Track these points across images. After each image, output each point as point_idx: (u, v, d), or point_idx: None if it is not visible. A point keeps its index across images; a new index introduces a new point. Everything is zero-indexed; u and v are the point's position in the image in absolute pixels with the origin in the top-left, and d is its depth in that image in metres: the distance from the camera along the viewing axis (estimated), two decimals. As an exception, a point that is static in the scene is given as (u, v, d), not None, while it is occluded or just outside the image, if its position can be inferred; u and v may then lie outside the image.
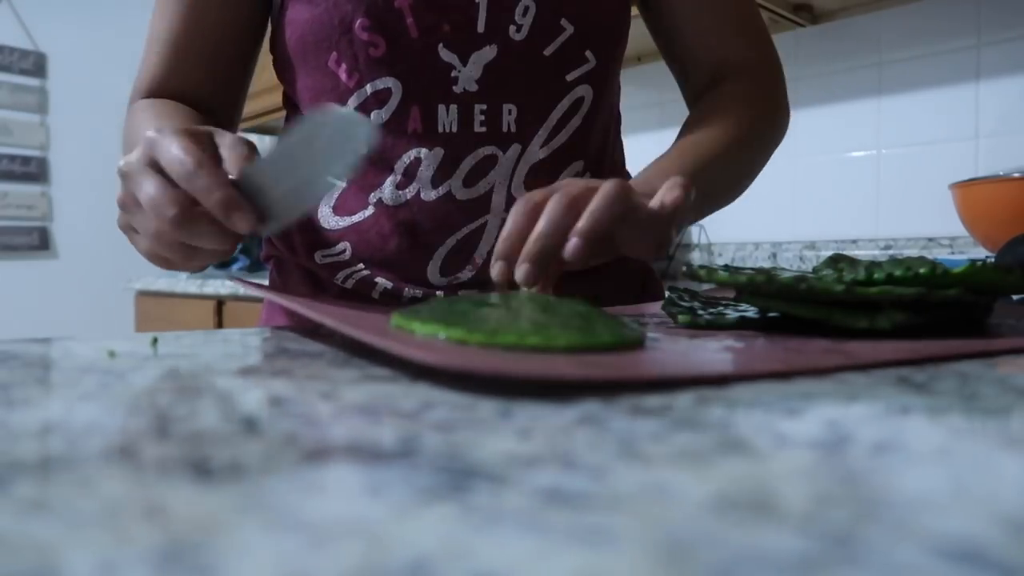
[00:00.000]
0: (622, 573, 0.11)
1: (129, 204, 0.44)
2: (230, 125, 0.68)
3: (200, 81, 0.65)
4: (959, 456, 0.16)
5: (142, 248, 0.46)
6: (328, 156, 0.40)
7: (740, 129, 0.62)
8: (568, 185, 0.44)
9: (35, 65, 2.95)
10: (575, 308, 0.34)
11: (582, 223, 0.41)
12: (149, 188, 0.41)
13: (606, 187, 0.42)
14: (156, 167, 0.42)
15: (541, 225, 0.42)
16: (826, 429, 0.19)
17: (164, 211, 0.40)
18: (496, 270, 0.43)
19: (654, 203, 0.44)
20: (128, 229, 0.46)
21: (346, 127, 0.40)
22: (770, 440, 0.18)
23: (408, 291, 0.62)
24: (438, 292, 0.62)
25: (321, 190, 0.41)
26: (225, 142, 0.44)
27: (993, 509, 0.13)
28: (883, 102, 1.58)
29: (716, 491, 0.14)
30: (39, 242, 2.95)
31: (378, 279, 0.62)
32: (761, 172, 0.68)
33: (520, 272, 0.41)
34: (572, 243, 0.41)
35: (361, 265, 0.63)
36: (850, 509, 0.13)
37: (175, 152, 0.40)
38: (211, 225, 0.41)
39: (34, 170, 2.94)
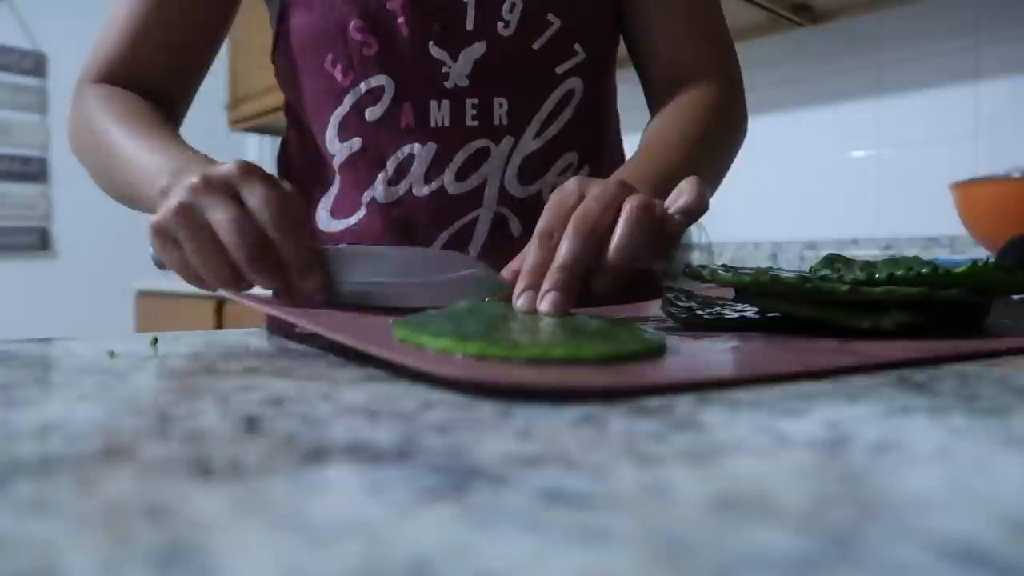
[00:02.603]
0: (622, 573, 0.11)
1: (187, 218, 0.41)
2: (178, 118, 0.66)
3: (156, 70, 0.63)
4: (959, 456, 0.16)
5: (174, 256, 0.42)
6: (434, 284, 0.42)
7: (703, 135, 0.61)
8: (588, 203, 0.41)
9: (35, 65, 2.95)
10: (586, 320, 0.34)
11: (613, 257, 0.39)
12: (233, 210, 0.40)
13: (631, 211, 0.40)
14: (236, 195, 0.41)
15: (563, 256, 0.39)
16: (826, 429, 0.19)
17: (244, 236, 0.40)
18: (523, 300, 0.39)
19: (669, 209, 0.42)
20: (164, 233, 0.42)
21: (474, 279, 0.41)
22: (770, 440, 0.18)
23: None
24: None
25: (394, 302, 0.42)
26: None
27: (993, 509, 0.13)
28: (883, 102, 1.58)
29: (716, 491, 0.14)
30: (39, 242, 2.95)
31: None
32: (726, 179, 0.67)
33: (546, 302, 0.38)
34: (602, 279, 0.40)
35: None
36: (850, 509, 0.13)
37: (275, 196, 0.41)
38: (274, 267, 0.41)
39: (34, 170, 2.94)
